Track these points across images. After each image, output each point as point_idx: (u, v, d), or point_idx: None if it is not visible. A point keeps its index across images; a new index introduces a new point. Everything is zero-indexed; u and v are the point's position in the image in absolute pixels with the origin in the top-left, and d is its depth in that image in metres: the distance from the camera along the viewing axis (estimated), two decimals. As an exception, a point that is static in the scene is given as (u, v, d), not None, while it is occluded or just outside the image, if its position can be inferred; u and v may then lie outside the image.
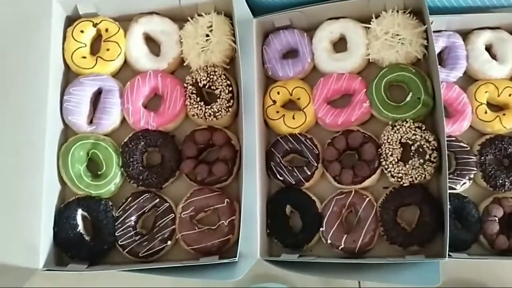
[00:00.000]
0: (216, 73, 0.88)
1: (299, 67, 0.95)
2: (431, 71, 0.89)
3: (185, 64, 0.92)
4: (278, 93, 0.94)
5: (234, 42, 0.89)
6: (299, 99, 0.93)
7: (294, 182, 0.89)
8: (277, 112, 0.93)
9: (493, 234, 0.86)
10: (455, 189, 0.88)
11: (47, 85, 0.86)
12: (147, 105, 0.92)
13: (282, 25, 0.96)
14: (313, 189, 0.91)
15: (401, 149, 0.86)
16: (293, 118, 0.92)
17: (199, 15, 0.91)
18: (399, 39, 0.89)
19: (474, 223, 0.86)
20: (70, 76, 0.93)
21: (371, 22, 0.91)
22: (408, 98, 0.88)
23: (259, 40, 0.94)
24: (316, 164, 0.89)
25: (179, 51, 0.92)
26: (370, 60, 0.92)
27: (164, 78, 0.89)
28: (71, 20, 0.93)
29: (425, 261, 0.82)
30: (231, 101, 0.87)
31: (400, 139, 0.86)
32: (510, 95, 0.92)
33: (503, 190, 0.89)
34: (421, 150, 0.85)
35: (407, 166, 0.85)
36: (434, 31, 0.93)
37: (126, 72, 0.93)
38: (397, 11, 0.90)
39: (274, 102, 0.94)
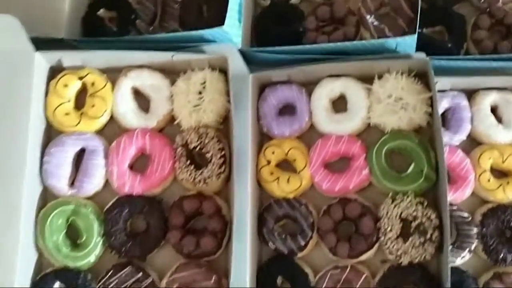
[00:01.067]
0: (208, 135, 0.83)
1: (296, 126, 0.90)
2: (435, 140, 0.84)
3: (175, 122, 0.86)
4: (273, 152, 0.89)
5: (229, 101, 0.84)
6: (295, 160, 0.89)
7: (286, 252, 0.84)
8: (272, 173, 0.88)
9: (493, 311, 0.82)
10: (454, 262, 0.84)
11: (26, 142, 0.80)
12: (133, 164, 0.87)
13: (279, 80, 0.91)
14: (306, 258, 0.86)
15: (401, 224, 0.82)
16: (288, 181, 0.87)
17: (192, 70, 0.86)
18: (402, 104, 0.84)
19: (473, 299, 0.83)
20: (51, 133, 0.87)
21: (374, 83, 0.87)
22: (410, 170, 0.84)
23: (254, 93, 0.89)
24: (310, 234, 0.84)
25: (170, 108, 0.86)
26: (371, 124, 0.88)
27: (152, 138, 0.84)
28: (55, 71, 0.87)
29: None
30: (223, 166, 0.82)
31: (400, 214, 0.82)
32: None
33: (504, 265, 0.85)
34: (421, 228, 0.81)
35: (407, 243, 0.80)
36: (439, 91, 0.89)
37: (112, 128, 0.88)
38: (401, 74, 0.85)
39: (269, 162, 0.89)
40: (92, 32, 0.93)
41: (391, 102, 0.85)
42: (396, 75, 0.85)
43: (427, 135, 0.87)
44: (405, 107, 0.84)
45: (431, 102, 0.84)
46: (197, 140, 0.83)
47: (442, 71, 0.88)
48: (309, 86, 0.91)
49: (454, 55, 0.91)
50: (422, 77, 0.86)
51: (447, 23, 0.93)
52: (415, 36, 0.81)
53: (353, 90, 0.88)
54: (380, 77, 0.87)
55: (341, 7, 0.90)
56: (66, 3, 0.91)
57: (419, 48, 0.85)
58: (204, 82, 0.84)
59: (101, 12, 0.93)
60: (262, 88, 0.92)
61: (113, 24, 0.93)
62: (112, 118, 0.87)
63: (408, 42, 0.83)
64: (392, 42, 0.82)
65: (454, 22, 0.92)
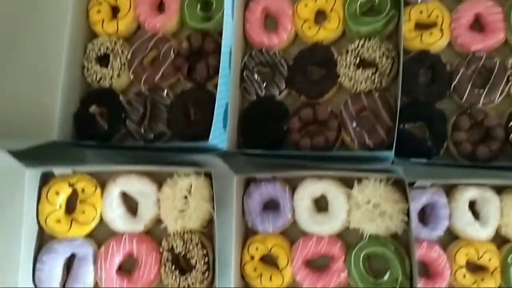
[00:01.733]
0: (193, 242, 0.87)
1: (279, 223, 0.93)
2: (410, 247, 0.87)
3: (161, 227, 0.90)
4: (257, 248, 0.93)
5: (213, 207, 0.87)
6: (278, 257, 0.92)
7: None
8: (255, 269, 0.92)
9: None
10: None
11: (19, 247, 0.84)
12: (122, 266, 0.91)
13: (263, 177, 0.94)
14: None
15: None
16: (271, 279, 0.91)
17: (178, 176, 0.89)
18: (380, 212, 0.87)
19: None
20: (44, 236, 0.91)
21: (353, 188, 0.90)
22: (386, 277, 0.87)
23: (239, 192, 0.93)
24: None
25: (157, 212, 0.90)
26: (350, 228, 0.91)
27: (139, 243, 0.88)
28: (46, 177, 0.91)
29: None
30: (207, 272, 0.86)
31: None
32: (490, 259, 0.91)
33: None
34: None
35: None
36: (419, 187, 0.92)
37: (102, 230, 0.92)
38: (380, 181, 0.88)
39: (252, 257, 0.93)
40: (83, 129, 0.96)
41: (369, 208, 0.88)
42: (375, 182, 0.88)
43: (403, 241, 0.90)
44: (382, 215, 0.87)
45: (408, 212, 0.87)
46: (182, 246, 0.86)
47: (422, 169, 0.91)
48: (292, 182, 0.95)
49: (434, 154, 0.93)
50: (400, 182, 0.89)
51: (428, 120, 0.95)
52: (392, 152, 0.84)
53: (334, 194, 0.91)
54: (359, 181, 0.90)
55: (324, 111, 0.92)
56: (58, 98, 0.94)
57: (399, 145, 0.87)
58: (191, 187, 0.88)
59: (93, 108, 0.96)
60: (247, 182, 0.96)
61: (104, 119, 0.96)
62: (102, 220, 0.91)
63: (386, 155, 0.86)
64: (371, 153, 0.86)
65: (435, 121, 0.94)
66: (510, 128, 0.92)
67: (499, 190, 0.93)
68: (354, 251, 0.89)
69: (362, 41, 0.93)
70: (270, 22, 1.01)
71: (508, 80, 0.93)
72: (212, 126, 0.83)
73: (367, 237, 0.89)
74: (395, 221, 0.87)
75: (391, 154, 0.84)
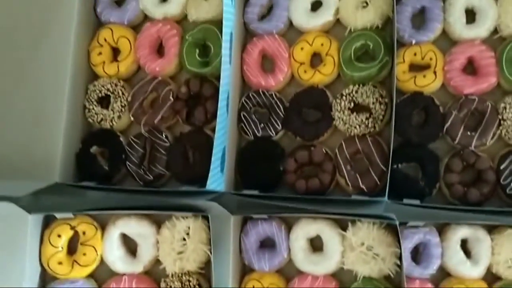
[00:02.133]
0: (191, 283, 0.89)
1: (275, 262, 0.96)
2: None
3: (160, 267, 0.93)
4: (253, 286, 0.95)
5: (210, 249, 0.90)
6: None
7: None
8: (253, 310, 0.95)
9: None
10: None
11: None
12: (122, 305, 0.93)
13: (260, 217, 0.97)
14: None
15: None
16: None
17: (176, 218, 0.92)
18: (373, 254, 0.90)
19: None
20: (46, 277, 0.94)
21: (348, 230, 0.92)
22: (378, 318, 0.90)
23: (236, 229, 0.95)
24: None
25: (156, 254, 0.93)
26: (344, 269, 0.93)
27: (139, 283, 0.91)
28: (49, 219, 0.93)
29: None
30: (205, 312, 0.89)
31: None
32: None
33: None
34: None
35: None
36: (412, 226, 0.94)
37: (103, 270, 0.95)
38: (373, 224, 0.90)
39: (248, 294, 0.95)
40: (84, 169, 0.99)
41: (363, 250, 0.90)
42: (368, 225, 0.91)
43: (395, 282, 0.92)
44: (375, 258, 0.90)
45: (400, 255, 0.89)
46: (180, 287, 0.89)
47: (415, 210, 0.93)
48: (289, 221, 0.97)
49: (427, 194, 0.96)
50: (393, 225, 0.92)
51: (421, 161, 0.97)
52: (385, 198, 0.86)
53: (328, 236, 0.93)
54: (353, 222, 0.92)
55: (319, 153, 0.95)
56: (60, 139, 0.96)
57: (392, 185, 0.89)
58: (188, 229, 0.90)
59: (94, 149, 0.98)
60: (244, 220, 0.98)
61: (105, 160, 0.98)
62: (102, 260, 0.94)
63: (378, 199, 0.88)
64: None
65: (427, 162, 0.96)
66: (501, 171, 0.94)
67: (490, 229, 0.95)
68: (348, 293, 0.91)
69: (356, 87, 0.95)
70: (267, 63, 1.03)
71: (499, 124, 0.95)
72: (210, 172, 0.85)
73: (361, 278, 0.91)
74: (388, 264, 0.89)
75: (383, 199, 0.87)
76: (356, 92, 0.94)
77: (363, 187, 0.92)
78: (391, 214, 0.87)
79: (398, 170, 0.96)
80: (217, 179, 0.90)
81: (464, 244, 0.96)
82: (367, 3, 0.97)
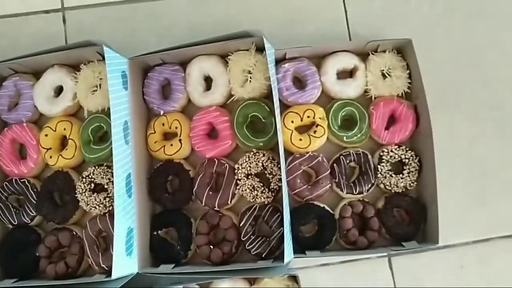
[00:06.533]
0: None
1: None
2: None
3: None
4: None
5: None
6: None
7: None
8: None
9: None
10: None
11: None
12: None
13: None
14: None
15: None
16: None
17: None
18: None
19: None
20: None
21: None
22: None
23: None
24: None
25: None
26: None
27: None
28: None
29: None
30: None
31: None
32: None
33: None
34: None
35: None
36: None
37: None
38: None
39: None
40: None
41: None
42: None
43: None
44: None
45: None
46: None
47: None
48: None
49: (182, 258, 1.01)
50: None
51: (176, 226, 1.02)
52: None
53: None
54: None
55: (66, 236, 0.98)
56: None
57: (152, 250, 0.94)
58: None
59: None
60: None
61: None
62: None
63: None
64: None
65: (181, 226, 1.02)
66: (241, 227, 1.01)
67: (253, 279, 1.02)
68: None
69: (93, 168, 1.00)
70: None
71: (237, 184, 1.02)
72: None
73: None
74: None
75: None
76: (93, 173, 1.00)
77: (104, 266, 0.97)
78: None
79: (157, 236, 1.02)
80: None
81: None
82: (96, 89, 1.03)
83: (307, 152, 1.04)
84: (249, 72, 1.02)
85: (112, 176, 0.98)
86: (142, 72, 1.08)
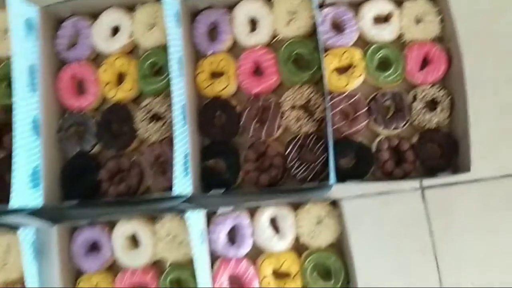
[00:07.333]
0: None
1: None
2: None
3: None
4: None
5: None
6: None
7: None
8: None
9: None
10: None
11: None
12: None
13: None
14: None
15: None
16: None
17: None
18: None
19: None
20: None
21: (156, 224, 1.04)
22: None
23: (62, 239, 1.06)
24: None
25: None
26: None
27: None
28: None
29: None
30: None
31: None
32: (289, 266, 1.06)
33: None
34: None
35: None
36: (222, 214, 1.07)
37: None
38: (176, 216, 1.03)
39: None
40: None
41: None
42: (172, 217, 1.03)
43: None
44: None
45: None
46: None
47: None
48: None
49: (232, 183, 1.09)
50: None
51: (225, 156, 1.10)
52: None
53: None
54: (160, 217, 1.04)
55: (125, 162, 1.06)
56: None
57: (203, 179, 1.03)
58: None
59: None
60: (72, 229, 1.08)
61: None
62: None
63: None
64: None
65: (229, 156, 1.10)
66: (287, 155, 1.09)
67: (296, 206, 1.10)
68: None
69: (150, 99, 1.08)
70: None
71: (282, 116, 1.10)
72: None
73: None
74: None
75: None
76: (152, 103, 1.07)
77: (162, 187, 1.05)
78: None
79: (206, 166, 1.09)
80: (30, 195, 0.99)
81: (274, 223, 1.09)
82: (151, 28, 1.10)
83: (346, 91, 1.10)
84: (294, 13, 1.09)
85: (169, 106, 1.06)
86: (192, 14, 1.15)
